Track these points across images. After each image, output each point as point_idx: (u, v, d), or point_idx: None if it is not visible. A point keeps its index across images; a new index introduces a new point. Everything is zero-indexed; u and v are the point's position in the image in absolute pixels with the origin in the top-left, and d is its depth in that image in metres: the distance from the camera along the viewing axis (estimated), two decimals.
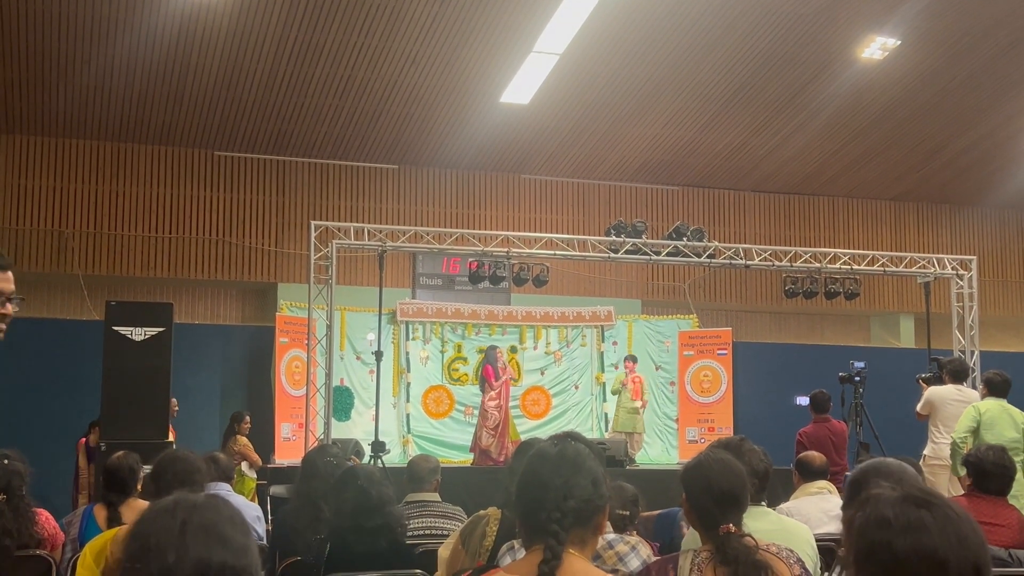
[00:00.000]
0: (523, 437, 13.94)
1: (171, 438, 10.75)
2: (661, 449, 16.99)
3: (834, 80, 15.26)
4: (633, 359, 16.12)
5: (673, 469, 13.39)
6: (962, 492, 7.11)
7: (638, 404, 15.55)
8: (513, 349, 16.52)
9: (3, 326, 3.32)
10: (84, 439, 11.70)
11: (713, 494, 3.31)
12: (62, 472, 12.04)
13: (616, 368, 16.58)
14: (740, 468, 3.40)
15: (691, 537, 4.03)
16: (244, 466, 12.49)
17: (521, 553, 2.50)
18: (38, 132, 15.67)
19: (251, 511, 6.21)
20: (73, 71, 14.20)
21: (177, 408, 11.98)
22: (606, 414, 16.67)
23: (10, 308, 3.31)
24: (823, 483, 6.10)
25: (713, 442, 3.90)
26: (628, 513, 5.05)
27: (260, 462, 12.73)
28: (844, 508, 2.92)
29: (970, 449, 6.56)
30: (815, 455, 6.34)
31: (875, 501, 1.97)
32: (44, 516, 5.43)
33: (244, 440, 12.60)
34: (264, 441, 13.43)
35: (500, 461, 14.06)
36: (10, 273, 3.34)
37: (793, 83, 15.37)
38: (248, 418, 12.85)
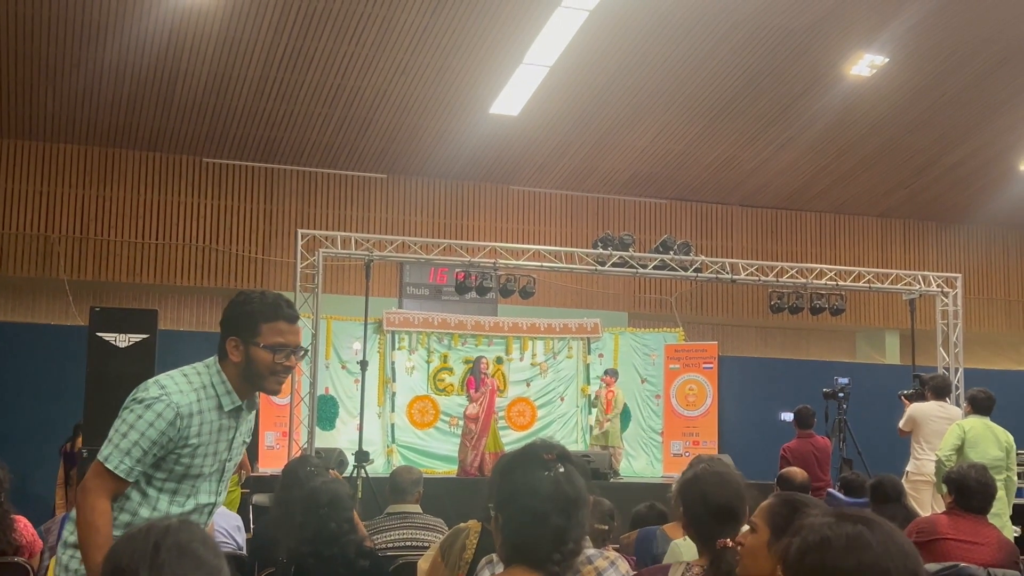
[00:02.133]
0: (507, 448, 13.84)
1: None
2: (646, 462, 16.86)
3: (823, 96, 15.30)
4: (613, 373, 16.06)
5: (657, 482, 13.38)
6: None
7: (611, 417, 15.59)
8: (499, 360, 16.42)
9: (283, 378, 3.45)
10: (67, 444, 11.68)
11: (710, 508, 3.32)
12: (45, 477, 12.01)
13: (602, 382, 16.35)
14: (738, 482, 3.40)
15: (674, 550, 4.02)
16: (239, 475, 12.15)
17: (499, 568, 2.49)
18: (25, 136, 15.62)
19: (231, 520, 6.18)
20: (61, 75, 14.14)
21: None
22: (591, 427, 16.47)
23: (294, 361, 3.44)
24: None
25: (694, 458, 3.90)
26: (607, 528, 5.06)
27: (252, 470, 12.70)
28: (769, 545, 2.87)
29: (952, 467, 6.60)
30: (796, 471, 6.45)
31: (810, 526, 1.96)
32: (22, 523, 5.41)
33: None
34: (248, 450, 12.91)
35: (472, 472, 14.03)
36: (298, 325, 3.46)
37: (782, 98, 15.42)
38: None
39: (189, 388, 3.37)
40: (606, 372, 16.08)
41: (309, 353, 12.92)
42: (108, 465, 3.27)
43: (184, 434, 3.33)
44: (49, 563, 4.76)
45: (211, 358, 3.47)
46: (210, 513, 3.56)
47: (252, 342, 3.36)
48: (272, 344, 3.34)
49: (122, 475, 3.27)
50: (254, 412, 3.63)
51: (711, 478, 3.40)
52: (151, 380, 3.40)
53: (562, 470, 2.44)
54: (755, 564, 2.91)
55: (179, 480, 3.39)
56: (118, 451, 3.28)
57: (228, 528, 5.84)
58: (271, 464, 13.90)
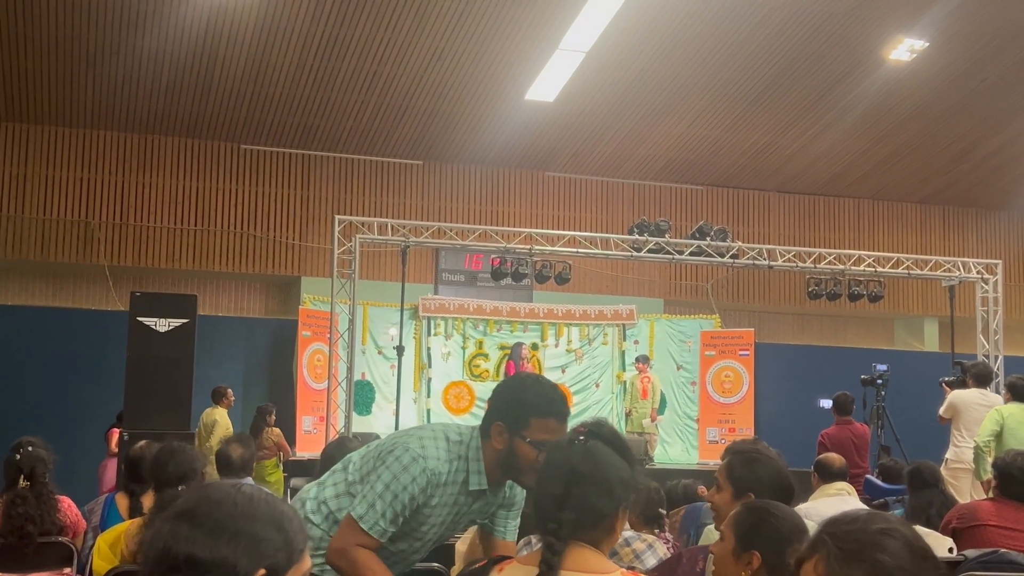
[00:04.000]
0: None
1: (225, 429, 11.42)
2: (681, 449, 16.74)
3: (862, 81, 15.09)
4: (644, 360, 15.88)
5: (692, 469, 13.30)
6: (984, 496, 7.24)
7: (648, 405, 15.43)
8: (534, 346, 16.41)
9: None
10: (114, 429, 11.69)
11: (766, 487, 3.36)
12: (88, 459, 12.06)
13: (635, 368, 16.34)
14: (785, 465, 3.41)
15: (709, 536, 3.99)
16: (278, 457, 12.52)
17: (537, 547, 2.48)
18: (66, 123, 15.61)
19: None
20: (101, 62, 14.09)
21: (232, 398, 12.45)
22: (627, 413, 16.23)
23: None
24: (842, 484, 6.03)
25: (729, 444, 3.81)
26: (664, 511, 5.09)
27: (291, 453, 12.73)
28: (735, 553, 2.91)
29: (997, 454, 6.53)
30: (834, 457, 6.27)
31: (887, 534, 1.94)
32: (66, 503, 5.43)
33: (278, 431, 12.52)
34: (286, 433, 13.28)
35: None
36: (567, 423, 3.22)
37: (821, 83, 15.20)
38: (274, 410, 12.80)
39: (446, 457, 3.26)
40: (637, 359, 15.99)
41: (348, 341, 13.22)
42: (363, 525, 3.20)
43: (426, 501, 3.27)
44: (93, 543, 4.79)
45: (474, 428, 3.35)
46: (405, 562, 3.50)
47: (519, 434, 3.20)
48: (539, 441, 3.14)
49: (377, 536, 3.22)
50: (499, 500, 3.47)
51: (765, 459, 3.40)
52: (409, 434, 3.32)
53: (586, 444, 2.44)
54: (723, 571, 2.93)
55: (394, 538, 3.32)
56: (373, 511, 3.20)
57: None
58: (309, 448, 13.83)
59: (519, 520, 3.48)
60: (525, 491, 3.31)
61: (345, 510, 3.28)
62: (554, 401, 3.19)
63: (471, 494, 3.31)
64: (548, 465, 2.48)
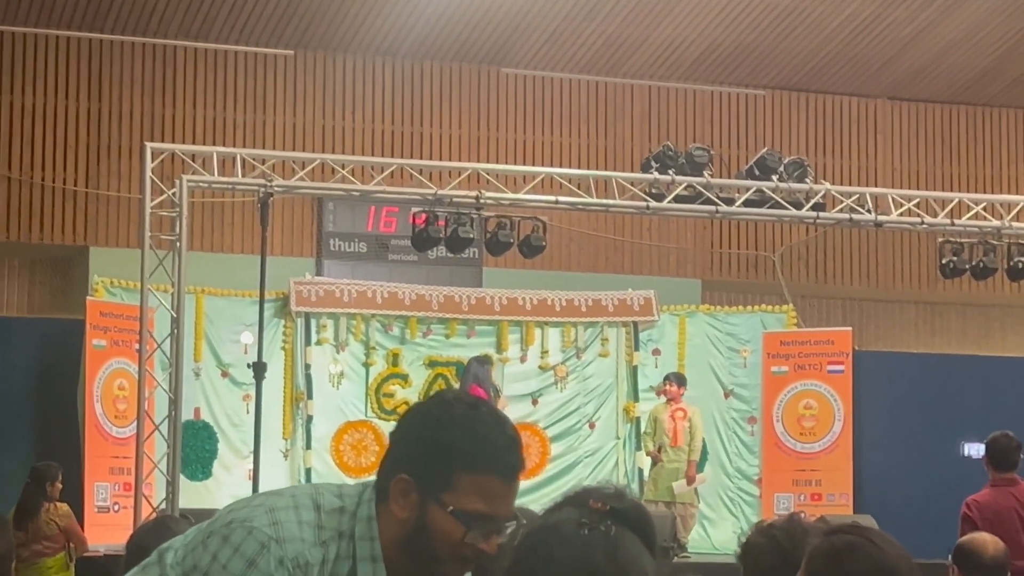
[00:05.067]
0: None
1: None
2: (732, 529, 14.20)
3: None
4: (679, 379, 13.66)
5: None
6: None
7: (683, 455, 13.47)
8: (483, 360, 13.76)
9: (469, 568, 2.57)
10: None
11: None
12: None
13: (659, 396, 14.06)
14: (904, 560, 2.68)
15: None
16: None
17: None
18: None
19: None
20: None
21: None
22: (641, 470, 13.98)
23: (494, 543, 2.43)
24: None
25: (815, 520, 4.03)
26: None
27: (87, 545, 11.34)
28: None
29: None
30: (987, 540, 5.48)
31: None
32: None
33: (66, 508, 11.20)
34: (74, 510, 11.61)
35: None
36: (518, 484, 2.50)
37: None
38: (60, 475, 11.31)
39: (314, 537, 2.45)
40: (667, 378, 13.68)
41: (170, 354, 12.07)
42: None
43: None
44: None
45: (364, 486, 2.54)
46: None
47: (435, 497, 2.40)
48: (469, 512, 2.38)
49: None
50: None
51: (859, 555, 2.63)
52: (253, 504, 2.52)
53: (610, 533, 1.90)
54: None
55: None
56: None
57: None
58: (104, 535, 12.01)
59: None
60: None
61: None
62: (496, 445, 2.44)
63: None
64: (552, 566, 1.89)
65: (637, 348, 14.60)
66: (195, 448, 13.21)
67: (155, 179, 11.32)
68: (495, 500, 2.39)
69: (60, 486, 11.10)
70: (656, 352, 14.69)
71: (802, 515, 3.41)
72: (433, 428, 2.43)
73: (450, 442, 2.39)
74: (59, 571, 10.78)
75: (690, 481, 13.41)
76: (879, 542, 2.70)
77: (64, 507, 11.03)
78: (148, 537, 4.36)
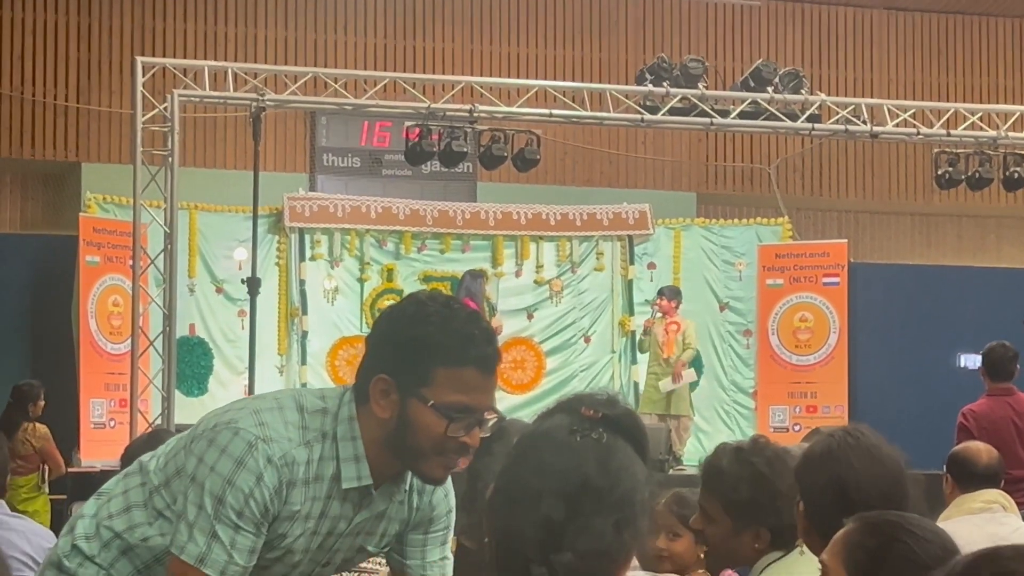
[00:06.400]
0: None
1: None
2: (727, 439, 12.72)
3: None
4: (674, 293, 13.79)
5: None
6: None
7: (673, 362, 13.57)
8: (477, 275, 13.98)
9: (453, 463, 2.64)
10: None
11: (855, 502, 2.92)
12: None
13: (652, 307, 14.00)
14: (897, 463, 3.01)
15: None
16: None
17: None
18: None
19: (41, 540, 4.62)
20: None
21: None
22: (636, 384, 14.05)
23: (476, 436, 2.56)
24: (993, 493, 5.36)
25: (810, 431, 4.02)
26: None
27: (64, 467, 11.56)
28: None
29: None
30: (981, 448, 5.57)
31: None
32: None
33: (44, 429, 11.43)
34: (64, 427, 11.79)
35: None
36: (496, 376, 2.61)
37: None
38: (43, 394, 11.42)
39: (299, 437, 2.52)
40: (661, 292, 13.71)
41: (164, 270, 12.10)
42: (208, 570, 2.50)
43: (279, 512, 2.58)
44: None
45: (345, 389, 2.60)
46: None
47: (416, 393, 2.48)
48: (449, 404, 2.46)
49: None
50: (398, 508, 2.72)
51: (857, 456, 2.96)
52: (237, 408, 2.58)
53: (602, 440, 1.94)
54: None
55: None
56: (219, 545, 2.50)
57: (34, 552, 4.48)
58: (100, 451, 12.28)
59: (448, 548, 2.90)
60: (452, 497, 2.84)
61: (145, 532, 2.65)
62: (473, 339, 2.53)
63: (348, 498, 2.61)
64: (543, 472, 1.93)
65: (632, 262, 14.75)
66: (190, 364, 13.47)
67: (146, 94, 11.41)
68: (474, 392, 2.45)
69: (43, 404, 11.27)
70: (651, 266, 14.79)
71: (762, 439, 3.36)
72: (408, 326, 2.48)
73: (426, 338, 2.45)
74: (30, 491, 11.00)
75: (676, 379, 13.47)
76: (876, 443, 2.86)
77: (43, 428, 11.24)
78: (143, 449, 4.14)
